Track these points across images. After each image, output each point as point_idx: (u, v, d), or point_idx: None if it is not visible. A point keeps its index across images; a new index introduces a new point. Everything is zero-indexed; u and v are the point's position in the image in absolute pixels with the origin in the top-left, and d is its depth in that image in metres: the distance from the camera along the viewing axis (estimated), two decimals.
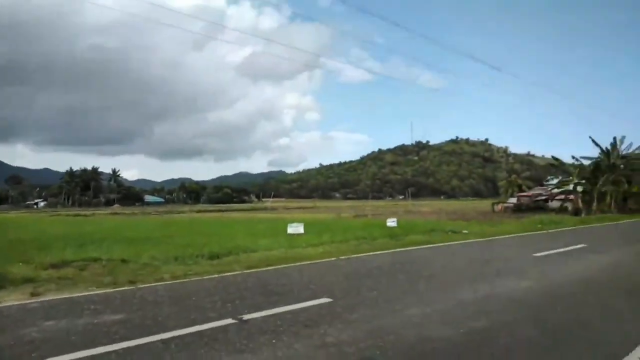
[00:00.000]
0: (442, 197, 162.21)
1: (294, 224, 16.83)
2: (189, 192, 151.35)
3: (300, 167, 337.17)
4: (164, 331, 4.83)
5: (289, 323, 5.25)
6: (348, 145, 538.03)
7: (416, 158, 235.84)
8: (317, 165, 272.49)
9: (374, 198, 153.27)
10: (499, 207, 49.78)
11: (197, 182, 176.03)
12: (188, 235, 17.98)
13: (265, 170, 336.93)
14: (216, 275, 8.64)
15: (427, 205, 77.03)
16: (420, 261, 10.97)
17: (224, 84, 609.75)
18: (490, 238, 16.73)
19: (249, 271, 9.20)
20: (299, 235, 16.00)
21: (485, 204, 60.74)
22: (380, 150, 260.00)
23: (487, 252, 12.77)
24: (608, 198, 37.75)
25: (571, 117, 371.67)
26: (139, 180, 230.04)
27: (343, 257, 11.07)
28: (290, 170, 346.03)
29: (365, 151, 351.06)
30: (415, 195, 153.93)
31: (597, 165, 39.62)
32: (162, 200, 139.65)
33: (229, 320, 5.33)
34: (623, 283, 8.06)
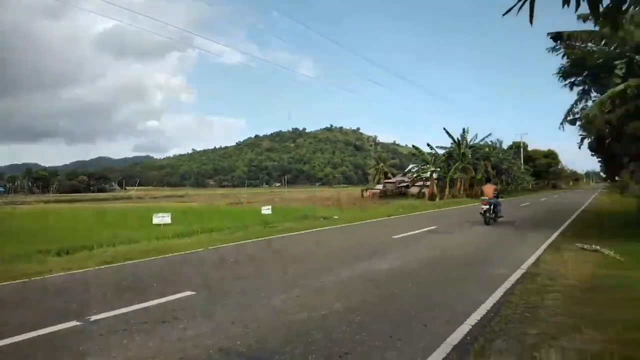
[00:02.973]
0: (317, 184, 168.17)
1: (161, 214, 15.88)
2: (36, 179, 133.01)
3: (171, 153, 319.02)
4: None
5: (145, 320, 4.93)
6: (224, 130, 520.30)
7: (293, 145, 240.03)
8: (190, 151, 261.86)
9: (250, 185, 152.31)
10: (367, 193, 53.28)
11: (45, 168, 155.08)
12: (32, 229, 15.68)
13: (130, 156, 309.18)
14: (63, 274, 7.73)
15: (303, 192, 79.19)
16: (291, 248, 11.16)
17: (81, 58, 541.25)
18: (358, 223, 17.80)
19: (104, 267, 8.44)
20: (166, 225, 15.16)
21: (356, 191, 64.47)
22: (257, 136, 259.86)
23: (353, 237, 13.56)
24: (458, 184, 42.79)
25: (431, 109, 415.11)
26: None
27: (212, 247, 10.77)
28: (159, 155, 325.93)
29: (241, 137, 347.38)
30: (292, 183, 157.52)
31: (449, 154, 44.46)
32: (1, 189, 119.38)
33: (73, 323, 4.82)
34: (463, 258, 9.20)
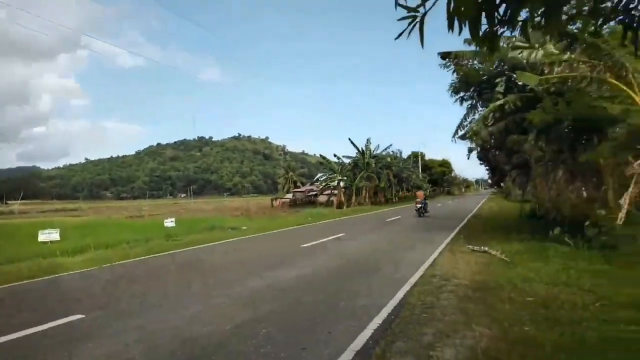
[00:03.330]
0: (225, 194, 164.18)
1: (47, 230, 14.31)
2: None
3: (61, 162, 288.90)
4: None
5: (21, 352, 4.33)
6: (122, 137, 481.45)
7: (199, 154, 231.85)
8: (83, 160, 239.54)
9: (152, 197, 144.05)
10: (277, 202, 53.27)
11: None
12: None
13: (13, 166, 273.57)
14: None
15: (210, 203, 76.83)
16: (195, 261, 10.69)
17: None
18: (267, 233, 17.65)
19: None
20: (53, 242, 13.68)
21: (266, 200, 64.13)
22: (159, 145, 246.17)
23: (262, 247, 13.39)
24: (364, 192, 44.58)
25: (338, 121, 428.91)
26: None
27: (107, 265, 9.92)
28: (47, 165, 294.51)
29: (141, 145, 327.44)
30: (198, 193, 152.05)
31: (355, 163, 46.18)
32: None
33: None
34: (366, 264, 9.53)
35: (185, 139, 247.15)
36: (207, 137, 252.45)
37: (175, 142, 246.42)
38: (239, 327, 5.01)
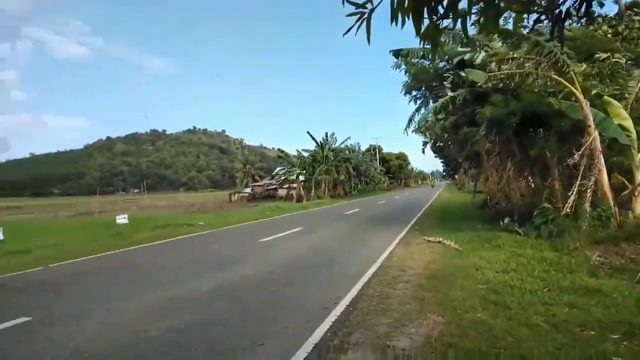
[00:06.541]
0: (181, 190, 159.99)
1: None
2: None
3: (3, 158, 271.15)
4: None
5: None
6: (68, 131, 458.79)
7: (151, 148, 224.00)
8: (27, 155, 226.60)
9: (103, 193, 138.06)
10: (235, 197, 52.56)
11: None
12: None
13: None
14: None
15: (165, 199, 74.71)
16: (145, 260, 10.32)
17: None
18: (225, 228, 17.37)
19: None
20: None
21: (223, 195, 63.19)
22: (109, 139, 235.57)
23: (219, 243, 13.12)
24: (323, 185, 44.78)
25: (296, 114, 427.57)
26: None
27: (53, 265, 9.47)
28: None
29: (90, 139, 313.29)
30: (152, 188, 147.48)
31: (314, 157, 46.27)
32: None
33: None
34: (325, 256, 9.55)
35: (137, 132, 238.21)
36: (160, 130, 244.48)
37: (126, 135, 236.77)
38: (190, 327, 4.91)
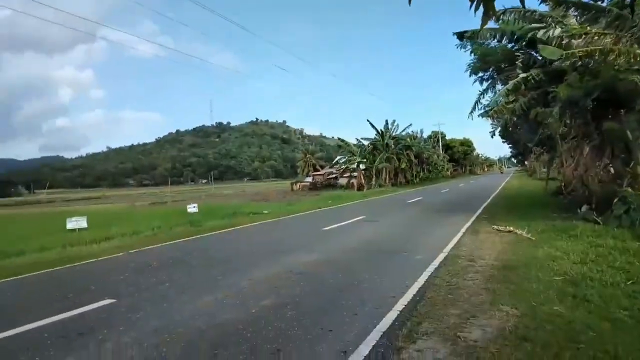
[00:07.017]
0: (245, 180, 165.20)
1: (75, 218, 14.68)
2: None
3: (83, 152, 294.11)
4: None
5: (58, 335, 4.50)
6: (141, 125, 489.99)
7: (217, 140, 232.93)
8: (105, 149, 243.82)
9: (174, 183, 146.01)
10: (297, 186, 53.36)
11: None
12: None
13: (38, 157, 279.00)
14: None
15: (231, 188, 77.52)
16: (218, 246, 10.83)
17: None
18: (288, 216, 17.75)
19: (11, 279, 7.66)
20: (81, 230, 14.07)
21: (285, 184, 64.33)
22: (178, 132, 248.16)
23: (284, 231, 13.48)
24: (384, 174, 44.34)
25: (355, 103, 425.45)
26: None
27: (133, 251, 10.17)
28: (70, 155, 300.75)
29: (161, 132, 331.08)
30: (219, 179, 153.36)
31: (374, 145, 45.83)
32: None
33: None
34: (390, 245, 9.51)
35: (203, 125, 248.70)
36: (225, 123, 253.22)
37: (194, 128, 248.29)
38: (262, 312, 5.05)
